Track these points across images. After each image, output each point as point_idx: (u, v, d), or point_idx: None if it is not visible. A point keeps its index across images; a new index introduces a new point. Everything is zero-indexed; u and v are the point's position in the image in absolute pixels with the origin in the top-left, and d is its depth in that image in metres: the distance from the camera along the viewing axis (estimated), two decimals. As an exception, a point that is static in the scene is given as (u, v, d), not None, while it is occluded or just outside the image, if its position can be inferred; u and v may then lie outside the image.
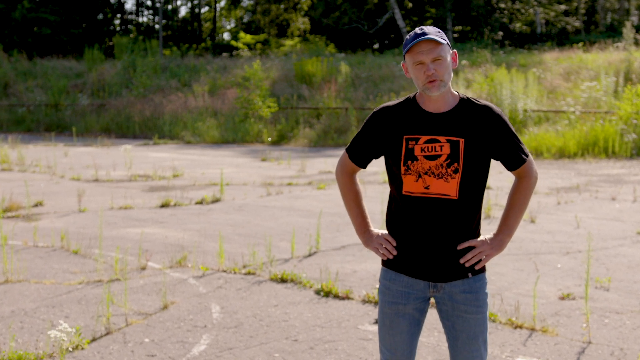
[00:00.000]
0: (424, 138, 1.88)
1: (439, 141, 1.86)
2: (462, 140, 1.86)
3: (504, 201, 6.95)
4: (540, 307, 3.73)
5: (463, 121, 1.89)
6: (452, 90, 1.96)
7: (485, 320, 1.96)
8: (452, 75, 1.90)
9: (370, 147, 1.99)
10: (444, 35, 1.90)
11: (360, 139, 2.01)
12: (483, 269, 1.97)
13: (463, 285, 1.93)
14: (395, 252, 1.95)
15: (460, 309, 1.93)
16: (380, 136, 1.95)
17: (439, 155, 1.86)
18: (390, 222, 1.99)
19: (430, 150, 1.87)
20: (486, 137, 1.89)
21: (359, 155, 2.02)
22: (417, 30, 1.88)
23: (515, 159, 1.93)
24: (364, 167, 2.05)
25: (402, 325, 1.96)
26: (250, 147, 14.13)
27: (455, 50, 1.96)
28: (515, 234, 5.62)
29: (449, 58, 1.88)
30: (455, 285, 1.93)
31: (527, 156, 1.95)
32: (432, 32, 1.86)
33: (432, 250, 1.91)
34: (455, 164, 1.85)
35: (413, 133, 1.89)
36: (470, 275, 1.93)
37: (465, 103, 1.92)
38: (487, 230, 5.05)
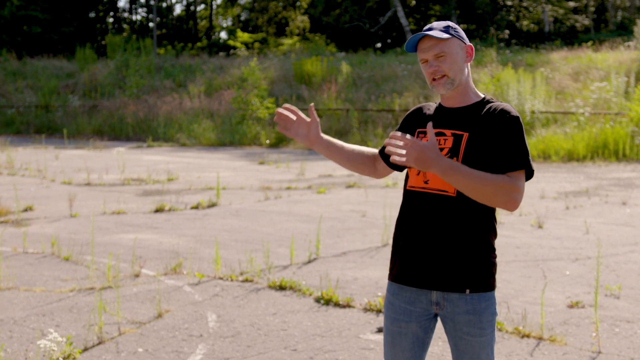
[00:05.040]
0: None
1: (444, 134, 1.83)
2: (466, 135, 1.81)
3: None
4: (548, 315, 3.66)
5: (473, 117, 1.83)
6: (477, 90, 1.90)
7: (490, 340, 1.86)
8: (464, 70, 1.83)
9: None
10: (455, 29, 1.82)
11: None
12: (489, 287, 1.85)
13: (466, 305, 1.82)
14: (287, 116, 1.94)
15: (462, 331, 1.84)
16: (405, 131, 1.95)
17: (441, 149, 1.81)
18: (397, 222, 1.95)
19: None
20: (492, 134, 1.77)
21: (383, 148, 2.00)
22: (425, 28, 1.85)
23: (509, 161, 1.73)
24: (385, 160, 2.00)
25: (404, 344, 1.89)
26: (248, 150, 14.04)
27: (471, 44, 1.88)
28: (522, 239, 5.53)
29: (456, 53, 1.81)
30: (458, 305, 1.83)
31: (527, 167, 1.75)
32: (437, 27, 1.82)
33: (431, 251, 1.83)
34: (455, 159, 1.80)
35: (424, 127, 1.88)
36: (468, 291, 1.82)
37: (483, 102, 1.87)
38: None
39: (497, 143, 1.77)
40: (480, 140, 1.79)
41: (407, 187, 1.89)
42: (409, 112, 2.01)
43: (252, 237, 5.69)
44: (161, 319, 3.64)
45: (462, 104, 1.87)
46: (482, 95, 1.90)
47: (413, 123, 1.95)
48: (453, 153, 1.80)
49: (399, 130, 1.98)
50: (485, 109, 1.83)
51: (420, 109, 1.98)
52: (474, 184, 1.71)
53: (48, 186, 8.68)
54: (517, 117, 1.80)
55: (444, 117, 1.87)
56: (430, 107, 1.97)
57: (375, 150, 2.08)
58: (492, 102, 1.87)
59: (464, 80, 1.85)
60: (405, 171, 1.96)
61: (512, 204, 1.73)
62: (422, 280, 1.85)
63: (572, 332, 3.44)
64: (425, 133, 1.87)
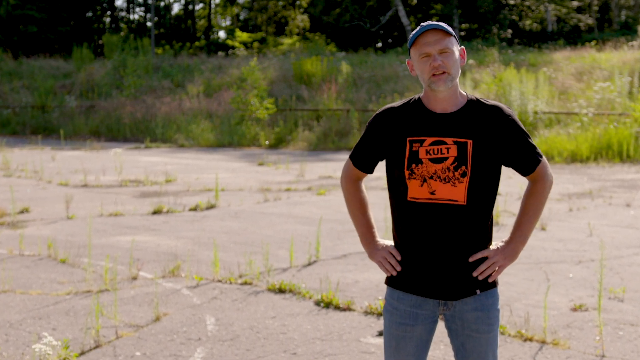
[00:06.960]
0: (429, 140, 1.81)
1: (445, 143, 1.79)
2: (470, 142, 1.79)
3: (513, 207, 6.84)
4: (551, 318, 3.63)
5: (471, 122, 1.81)
6: (461, 90, 1.88)
7: (495, 337, 1.89)
8: (460, 71, 1.84)
9: (374, 151, 1.92)
10: (452, 30, 1.85)
11: (363, 143, 1.93)
12: (494, 284, 1.89)
13: (475, 303, 1.84)
14: (399, 268, 1.87)
15: (470, 328, 1.85)
16: (383, 139, 1.87)
17: (446, 158, 1.78)
18: (395, 232, 1.91)
19: (435, 152, 1.79)
20: (497, 139, 1.81)
21: (363, 161, 1.94)
22: (423, 23, 1.83)
23: (529, 161, 1.86)
24: (370, 172, 1.97)
25: (409, 348, 1.88)
26: (247, 151, 13.99)
27: (463, 47, 1.90)
28: (525, 242, 5.50)
29: (457, 52, 1.82)
30: (467, 303, 1.84)
31: (541, 157, 1.88)
32: (437, 25, 1.82)
33: (441, 262, 1.82)
34: (463, 167, 1.78)
35: (417, 135, 1.82)
36: (478, 291, 1.84)
37: (473, 103, 1.85)
38: (496, 238, 4.91)
39: (510, 149, 1.83)
40: (487, 146, 1.80)
41: (409, 199, 1.82)
42: (377, 118, 1.88)
43: (251, 239, 5.65)
44: (159, 322, 3.60)
45: (454, 107, 1.83)
46: (465, 94, 1.88)
47: (395, 130, 1.84)
48: (460, 162, 1.78)
49: (367, 137, 1.89)
50: (481, 112, 1.83)
51: (394, 113, 1.86)
52: (540, 214, 1.91)
53: (44, 188, 8.63)
54: (514, 114, 1.87)
55: (438, 123, 1.82)
56: (403, 110, 1.85)
57: (358, 176, 1.97)
58: (482, 102, 1.86)
59: (457, 81, 1.86)
60: (394, 181, 1.87)
61: (551, 185, 1.93)
62: (435, 292, 1.85)
63: (576, 335, 3.41)
64: (419, 142, 1.79)
